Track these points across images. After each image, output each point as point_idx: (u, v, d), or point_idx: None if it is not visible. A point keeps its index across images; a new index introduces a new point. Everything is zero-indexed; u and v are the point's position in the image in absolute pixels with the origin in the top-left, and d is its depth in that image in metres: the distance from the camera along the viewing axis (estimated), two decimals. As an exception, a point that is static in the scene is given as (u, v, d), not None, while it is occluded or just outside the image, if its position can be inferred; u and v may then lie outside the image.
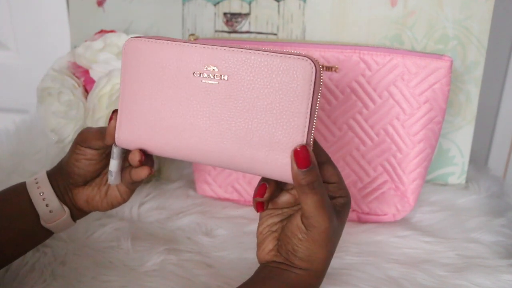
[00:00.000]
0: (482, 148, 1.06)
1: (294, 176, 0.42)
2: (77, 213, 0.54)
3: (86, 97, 0.68)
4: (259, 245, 0.49)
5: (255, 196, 0.45)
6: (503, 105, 1.03)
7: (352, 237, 0.64)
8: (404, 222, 0.68)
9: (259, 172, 0.44)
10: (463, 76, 0.74)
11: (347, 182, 0.68)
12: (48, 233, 0.54)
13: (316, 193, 0.43)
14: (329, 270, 0.58)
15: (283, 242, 0.46)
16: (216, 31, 0.79)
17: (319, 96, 0.43)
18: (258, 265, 0.49)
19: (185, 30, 0.80)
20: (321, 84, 0.43)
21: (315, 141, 0.45)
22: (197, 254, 0.60)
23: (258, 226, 0.49)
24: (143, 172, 0.50)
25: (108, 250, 0.60)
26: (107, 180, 0.53)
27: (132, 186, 0.53)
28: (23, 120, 0.91)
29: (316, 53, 0.64)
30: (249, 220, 0.68)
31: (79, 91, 0.68)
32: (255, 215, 0.69)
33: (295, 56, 0.42)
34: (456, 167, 0.78)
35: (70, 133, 0.69)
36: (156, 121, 0.46)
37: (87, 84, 0.69)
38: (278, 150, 0.43)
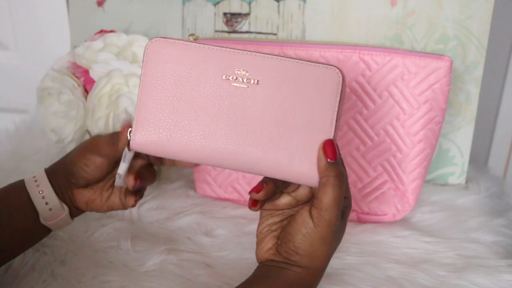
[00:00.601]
0: (482, 148, 1.06)
1: (323, 168, 0.44)
2: (75, 211, 0.55)
3: (86, 97, 0.68)
4: (258, 243, 0.49)
5: (250, 191, 0.46)
6: (503, 105, 1.03)
7: (352, 237, 0.64)
8: (404, 222, 0.68)
9: (283, 175, 0.45)
10: (463, 76, 0.74)
11: (347, 182, 0.68)
12: (46, 231, 0.54)
13: (340, 186, 0.44)
14: (329, 270, 0.58)
15: (284, 240, 0.47)
16: (216, 31, 0.79)
17: (343, 103, 0.45)
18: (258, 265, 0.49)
19: (185, 30, 0.80)
20: (344, 91, 0.45)
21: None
22: (197, 254, 0.60)
23: (258, 226, 0.50)
24: (130, 201, 0.53)
25: (108, 250, 0.60)
26: (110, 186, 0.54)
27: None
28: (23, 120, 0.91)
29: (316, 53, 0.64)
30: (249, 220, 0.68)
31: (79, 91, 0.68)
32: (255, 215, 0.68)
33: (324, 65, 0.44)
34: (456, 167, 0.78)
35: (70, 133, 0.68)
36: (180, 123, 0.46)
37: (87, 84, 0.69)
38: (305, 154, 0.44)
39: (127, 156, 0.49)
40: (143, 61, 0.47)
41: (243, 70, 0.45)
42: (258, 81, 0.45)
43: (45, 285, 0.54)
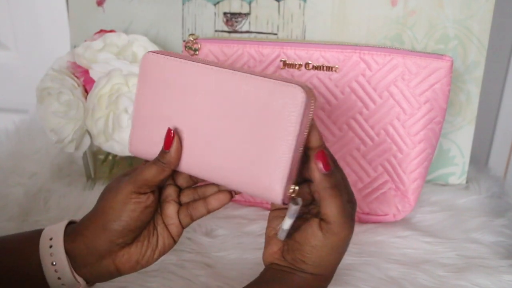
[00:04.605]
0: (482, 148, 1.06)
1: (319, 181, 0.42)
2: (107, 277, 0.47)
3: (85, 97, 0.68)
4: (265, 245, 0.48)
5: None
6: (504, 105, 1.02)
7: (353, 237, 0.63)
8: (404, 222, 0.68)
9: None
10: (464, 76, 0.74)
11: (347, 182, 0.68)
12: None
13: (341, 195, 0.42)
14: (329, 270, 0.58)
15: (292, 248, 0.45)
16: (216, 30, 0.78)
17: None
18: (258, 265, 0.49)
19: (185, 30, 0.80)
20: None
21: (323, 144, 0.44)
22: (197, 254, 0.60)
23: (266, 228, 0.49)
24: (225, 198, 0.47)
25: (108, 250, 0.60)
26: (154, 228, 0.48)
27: (189, 222, 0.49)
28: (23, 120, 0.91)
29: (316, 53, 0.64)
30: (249, 220, 0.68)
31: (79, 91, 0.68)
32: (255, 215, 0.69)
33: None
34: (457, 167, 0.78)
35: (69, 133, 0.68)
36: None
37: (86, 84, 0.69)
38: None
39: (293, 211, 0.44)
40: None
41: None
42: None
43: (44, 286, 0.54)
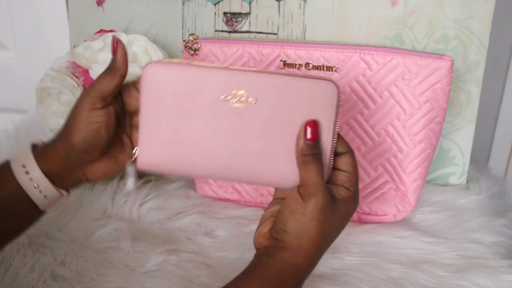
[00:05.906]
0: (483, 148, 1.06)
1: (300, 148, 0.45)
2: (77, 185, 0.52)
3: (85, 97, 0.68)
4: (258, 227, 0.49)
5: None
6: (504, 105, 1.02)
7: (353, 237, 0.64)
8: (404, 223, 0.68)
9: (286, 185, 0.47)
10: (464, 76, 0.74)
11: (347, 182, 0.67)
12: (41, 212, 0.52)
13: (317, 163, 0.45)
14: (329, 270, 0.58)
15: (276, 219, 0.47)
16: (216, 30, 0.78)
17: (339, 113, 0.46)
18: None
19: (185, 29, 0.80)
20: (340, 104, 0.46)
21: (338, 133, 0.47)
22: (197, 254, 0.60)
23: (264, 212, 0.50)
24: None
25: (108, 251, 0.60)
26: (120, 146, 0.51)
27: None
28: (22, 120, 0.91)
29: (316, 53, 0.64)
30: (249, 220, 0.68)
31: (79, 91, 0.68)
32: (255, 215, 0.68)
33: (319, 80, 0.45)
34: (457, 167, 0.78)
35: (69, 133, 0.68)
36: (183, 145, 0.47)
37: (86, 84, 0.69)
38: None
39: (129, 171, 0.48)
40: (141, 84, 0.47)
41: (241, 90, 0.45)
42: (256, 100, 0.45)
43: (45, 286, 0.54)
